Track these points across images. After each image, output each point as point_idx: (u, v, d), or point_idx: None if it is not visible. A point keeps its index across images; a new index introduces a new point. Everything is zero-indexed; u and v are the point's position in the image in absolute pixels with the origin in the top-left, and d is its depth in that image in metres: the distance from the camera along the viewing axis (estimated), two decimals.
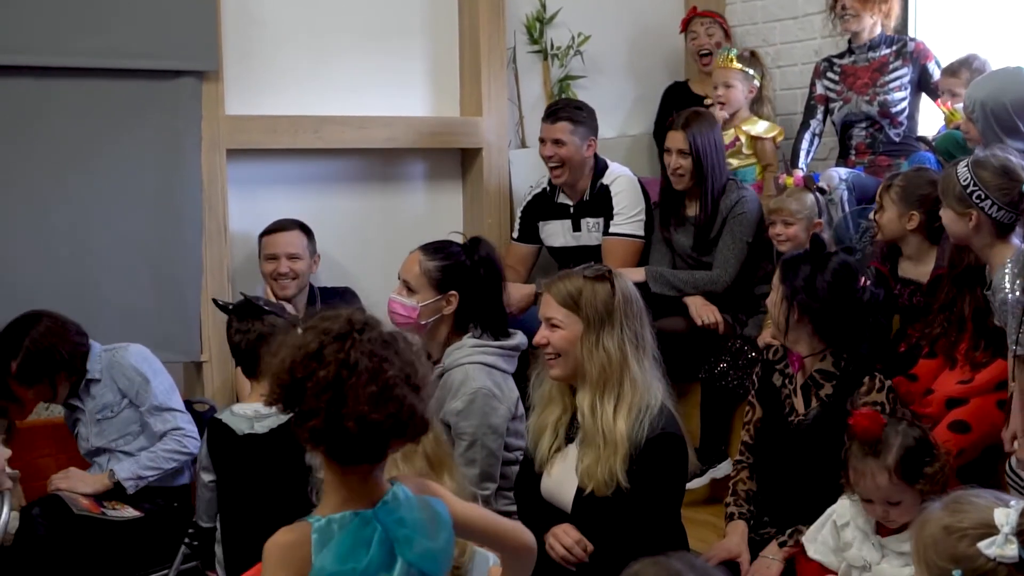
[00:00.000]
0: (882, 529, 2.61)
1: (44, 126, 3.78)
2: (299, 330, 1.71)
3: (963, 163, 2.97)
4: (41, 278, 3.56)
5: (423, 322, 3.24)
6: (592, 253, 4.24)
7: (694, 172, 4.01)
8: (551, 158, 4.26)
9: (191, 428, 3.45)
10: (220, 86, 4.04)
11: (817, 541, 2.71)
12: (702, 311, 3.95)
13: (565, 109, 4.30)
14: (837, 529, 2.68)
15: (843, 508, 2.69)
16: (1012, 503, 1.59)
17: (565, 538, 2.67)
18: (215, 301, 3.43)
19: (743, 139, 4.45)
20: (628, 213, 4.27)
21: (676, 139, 4.02)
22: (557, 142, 4.22)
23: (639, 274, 4.02)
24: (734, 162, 4.44)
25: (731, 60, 4.45)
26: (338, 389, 1.64)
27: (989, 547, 1.53)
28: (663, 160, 4.12)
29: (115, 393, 3.44)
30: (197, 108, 3.99)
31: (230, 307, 3.19)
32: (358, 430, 1.64)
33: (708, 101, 4.66)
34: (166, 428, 3.42)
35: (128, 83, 3.88)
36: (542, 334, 2.72)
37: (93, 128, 3.84)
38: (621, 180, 4.31)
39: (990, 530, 1.55)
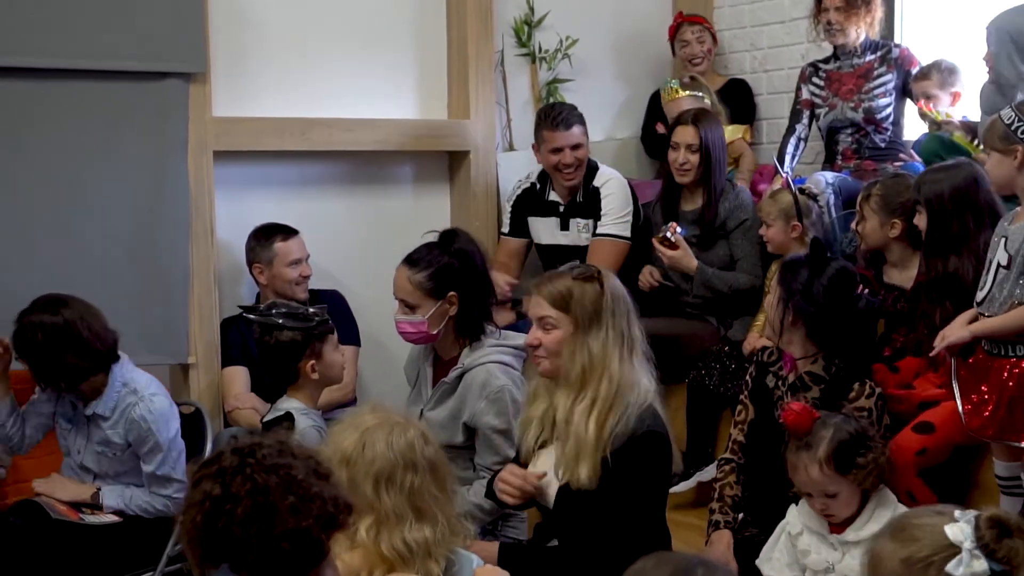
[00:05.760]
0: (833, 527, 2.64)
1: (30, 128, 3.77)
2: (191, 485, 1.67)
3: (1005, 108, 2.96)
4: (27, 280, 3.53)
5: (435, 332, 3.27)
6: (579, 253, 4.26)
7: (700, 168, 4.04)
8: (570, 165, 4.29)
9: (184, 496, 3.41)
10: (207, 88, 4.03)
11: (772, 560, 2.73)
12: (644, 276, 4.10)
13: (572, 113, 4.36)
14: (792, 540, 2.70)
15: (792, 518, 2.73)
16: (956, 514, 1.55)
17: (513, 479, 2.73)
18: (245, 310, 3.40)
19: None
20: (616, 214, 4.31)
21: (687, 134, 4.04)
22: (577, 147, 4.29)
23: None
24: (745, 175, 4.48)
25: (676, 92, 4.47)
26: (262, 516, 1.60)
27: (958, 568, 1.48)
28: (667, 156, 4.11)
29: (122, 439, 3.34)
30: (184, 110, 3.97)
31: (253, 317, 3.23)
32: (292, 545, 1.61)
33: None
34: (161, 492, 3.36)
35: (115, 84, 3.87)
36: (534, 335, 2.71)
37: (80, 130, 3.83)
38: (612, 183, 4.37)
39: (951, 550, 1.50)
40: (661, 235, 3.99)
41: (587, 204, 4.36)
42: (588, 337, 2.65)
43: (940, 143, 3.75)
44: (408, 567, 2.10)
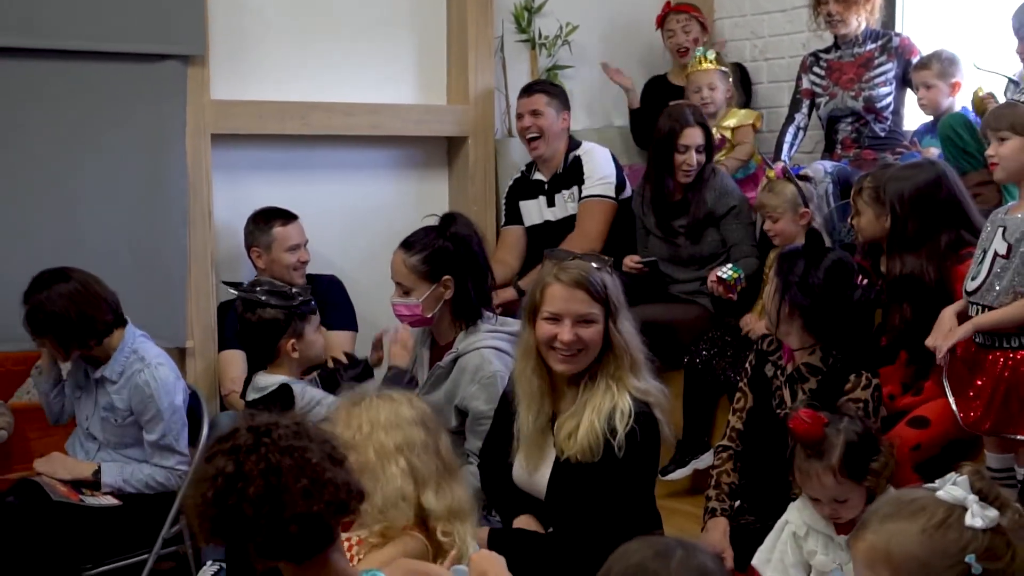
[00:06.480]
0: (839, 528, 2.63)
1: (26, 109, 3.76)
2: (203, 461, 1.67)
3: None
4: (24, 263, 3.52)
5: (429, 315, 3.28)
6: (568, 225, 4.35)
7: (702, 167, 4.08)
8: (528, 129, 4.39)
9: (185, 469, 3.39)
10: (206, 70, 4.02)
11: (773, 561, 2.69)
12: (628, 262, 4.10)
13: (539, 83, 4.54)
14: (797, 541, 2.67)
15: (796, 517, 2.69)
16: (936, 483, 1.56)
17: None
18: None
19: (728, 135, 4.45)
20: (597, 176, 4.39)
21: (696, 136, 4.05)
22: (535, 113, 4.38)
23: None
24: (732, 163, 4.46)
25: (711, 62, 4.45)
26: (273, 498, 1.59)
27: (975, 519, 1.49)
28: (673, 158, 4.04)
29: (125, 405, 3.36)
30: (183, 92, 3.97)
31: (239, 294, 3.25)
32: (301, 528, 1.60)
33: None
34: (162, 463, 3.37)
35: (113, 66, 3.86)
36: (572, 333, 2.60)
37: (77, 112, 3.82)
38: (592, 151, 4.46)
39: (958, 509, 1.52)
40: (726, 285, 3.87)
41: (568, 175, 4.43)
42: (619, 323, 2.65)
43: (959, 120, 3.74)
44: (460, 520, 2.24)
